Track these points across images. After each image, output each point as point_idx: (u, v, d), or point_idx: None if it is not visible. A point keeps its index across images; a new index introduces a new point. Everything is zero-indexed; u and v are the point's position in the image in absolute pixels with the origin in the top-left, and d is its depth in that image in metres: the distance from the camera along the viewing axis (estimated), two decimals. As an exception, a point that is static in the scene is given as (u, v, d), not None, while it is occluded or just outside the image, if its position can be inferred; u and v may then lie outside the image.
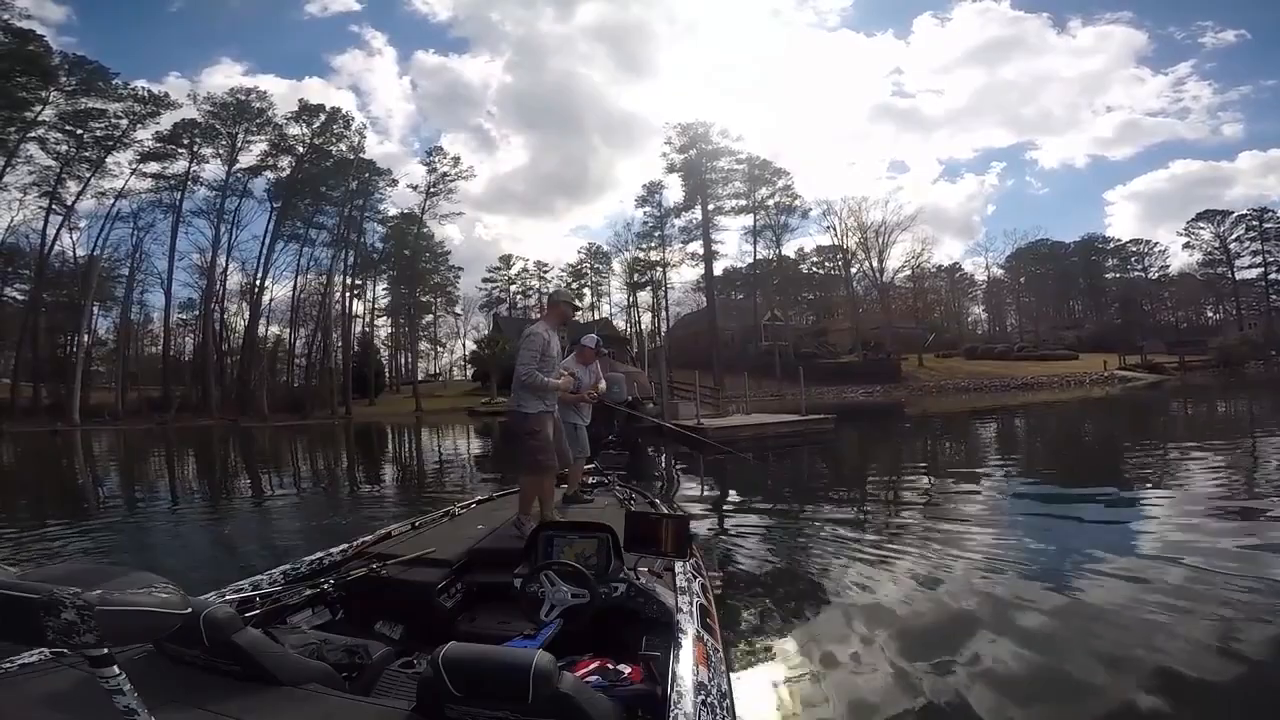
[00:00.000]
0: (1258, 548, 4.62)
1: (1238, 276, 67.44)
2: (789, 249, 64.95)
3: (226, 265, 51.73)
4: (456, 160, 57.52)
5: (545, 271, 73.44)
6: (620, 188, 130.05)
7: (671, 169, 58.56)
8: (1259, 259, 66.09)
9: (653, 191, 61.13)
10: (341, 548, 2.95)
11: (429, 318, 66.15)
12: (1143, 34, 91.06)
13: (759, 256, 61.03)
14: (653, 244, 61.95)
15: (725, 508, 7.27)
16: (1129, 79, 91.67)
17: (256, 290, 51.76)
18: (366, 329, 59.87)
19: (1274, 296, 65.71)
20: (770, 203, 58.63)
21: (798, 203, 59.14)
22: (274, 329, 54.96)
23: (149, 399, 46.51)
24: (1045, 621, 3.47)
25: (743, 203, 58.42)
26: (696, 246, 58.98)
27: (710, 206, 57.20)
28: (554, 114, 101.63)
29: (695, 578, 2.54)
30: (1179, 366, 48.44)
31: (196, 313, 52.49)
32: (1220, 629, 3.23)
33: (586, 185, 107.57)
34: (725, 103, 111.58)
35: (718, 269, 60.59)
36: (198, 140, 48.78)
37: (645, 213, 62.03)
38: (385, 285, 60.66)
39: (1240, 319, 65.59)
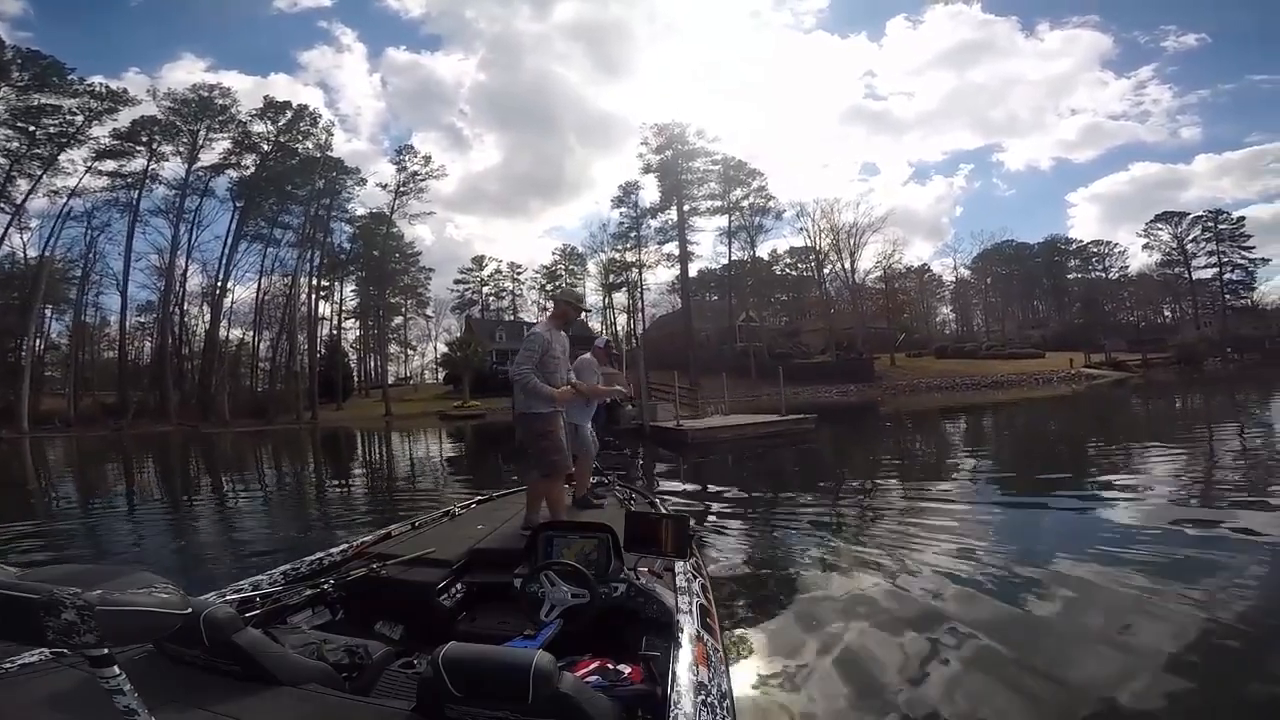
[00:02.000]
0: (1222, 537, 4.80)
1: (1194, 276, 69.86)
2: (762, 250, 65.63)
3: (186, 266, 50.40)
4: (428, 159, 56.82)
5: (519, 273, 73.07)
6: (596, 188, 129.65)
7: (648, 169, 58.78)
8: (1214, 259, 68.71)
9: (629, 192, 61.19)
10: (341, 548, 2.94)
11: (399, 320, 65.21)
12: (1108, 37, 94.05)
13: (733, 258, 61.45)
14: (628, 245, 61.93)
15: (716, 509, 7.02)
16: (1093, 82, 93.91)
17: (218, 291, 50.49)
18: (334, 331, 58.83)
19: (1228, 296, 68.20)
20: (745, 204, 59.11)
21: (772, 204, 59.76)
22: (236, 332, 53.69)
23: (104, 405, 44.89)
24: (1042, 615, 3.51)
25: (718, 204, 58.79)
26: (672, 247, 59.24)
27: (686, 207, 57.45)
28: (529, 113, 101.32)
29: (695, 578, 2.53)
30: (1142, 364, 49.84)
31: (155, 315, 50.86)
32: (1188, 619, 3.29)
33: (562, 186, 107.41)
34: (702, 104, 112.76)
35: (693, 270, 60.88)
36: (157, 138, 47.51)
37: (621, 213, 62.12)
38: (353, 286, 59.77)
39: (1197, 318, 67.86)
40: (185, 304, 51.02)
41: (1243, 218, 68.93)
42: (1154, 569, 4.03)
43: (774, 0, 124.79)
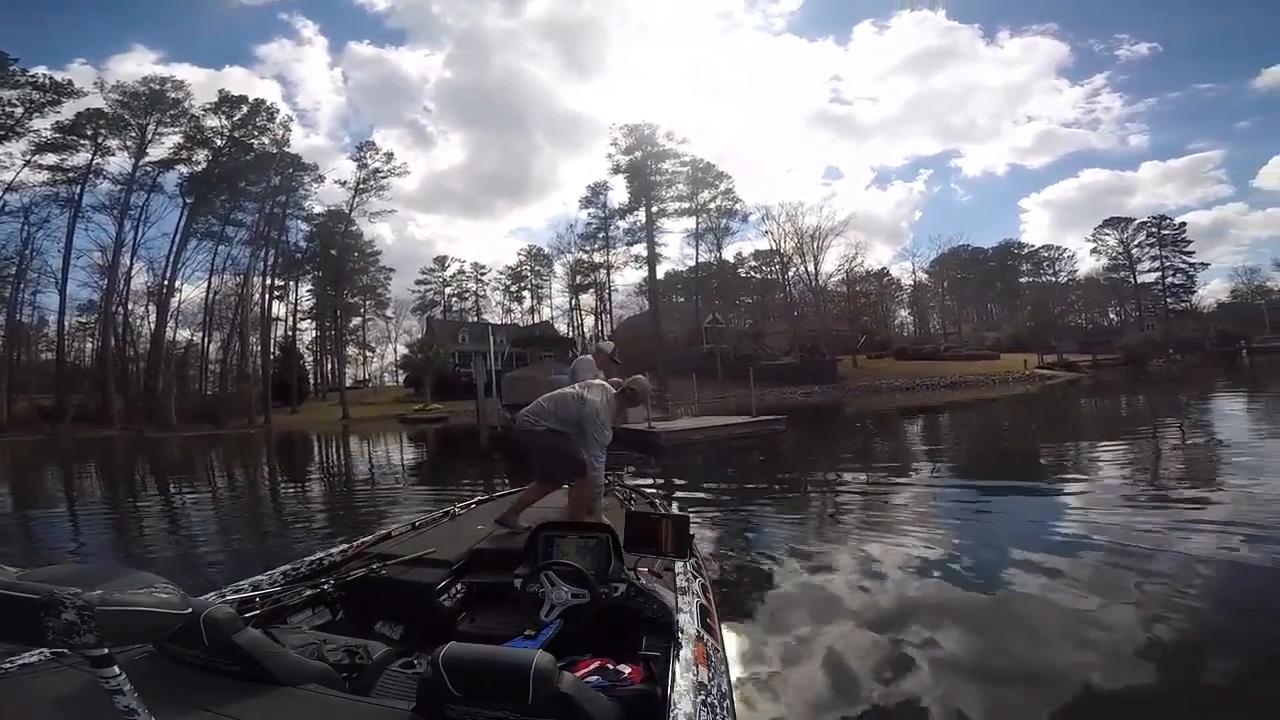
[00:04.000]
0: (1167, 528, 4.99)
1: (1139, 280, 72.90)
2: (728, 253, 66.15)
3: (131, 264, 48.17)
4: (389, 156, 55.66)
5: (483, 274, 72.01)
6: (564, 189, 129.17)
7: (617, 170, 58.71)
8: (1157, 264, 71.85)
9: (597, 193, 61.10)
10: (341, 548, 2.95)
11: (357, 321, 63.52)
12: (1065, 45, 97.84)
13: (700, 260, 61.70)
14: (596, 246, 61.66)
15: (700, 512, 6.87)
16: (1049, 89, 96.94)
17: (165, 290, 48.39)
18: (289, 333, 57.06)
19: (1170, 299, 71.37)
20: (712, 206, 59.53)
21: (738, 206, 60.26)
22: (185, 333, 51.52)
23: (40, 408, 42.53)
24: (1032, 608, 3.59)
25: (686, 205, 59.00)
26: (640, 249, 59.19)
27: (654, 209, 57.41)
28: (497, 111, 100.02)
29: (695, 578, 2.54)
30: (1092, 364, 51.78)
31: (97, 315, 48.41)
32: (1140, 606, 3.45)
33: (529, 186, 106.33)
34: (673, 106, 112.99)
35: (660, 272, 60.92)
36: (103, 131, 45.21)
37: (590, 214, 61.94)
38: (310, 286, 58.07)
39: (1141, 320, 70.79)
40: (130, 303, 48.84)
41: (1184, 223, 72.56)
42: (1109, 560, 4.22)
43: (745, 1, 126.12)
